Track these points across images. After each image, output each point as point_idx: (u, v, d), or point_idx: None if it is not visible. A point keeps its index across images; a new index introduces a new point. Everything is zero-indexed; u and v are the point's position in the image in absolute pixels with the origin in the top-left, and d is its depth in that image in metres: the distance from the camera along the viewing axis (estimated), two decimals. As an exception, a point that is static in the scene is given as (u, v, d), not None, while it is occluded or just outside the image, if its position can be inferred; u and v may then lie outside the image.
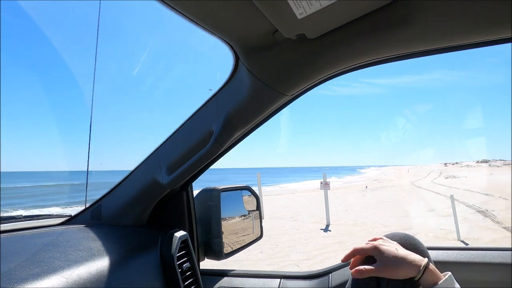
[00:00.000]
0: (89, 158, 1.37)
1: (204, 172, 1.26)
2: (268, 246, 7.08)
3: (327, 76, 0.89)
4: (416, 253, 0.87)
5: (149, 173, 1.11)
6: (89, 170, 1.38)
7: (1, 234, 1.01)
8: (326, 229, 8.64)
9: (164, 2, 0.65)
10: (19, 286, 0.66)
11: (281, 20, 0.67)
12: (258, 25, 0.72)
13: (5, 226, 1.08)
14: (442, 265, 1.13)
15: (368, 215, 10.68)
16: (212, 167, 1.26)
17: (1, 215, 1.20)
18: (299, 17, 0.65)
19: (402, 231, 0.98)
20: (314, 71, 0.84)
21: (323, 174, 10.09)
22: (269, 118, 1.07)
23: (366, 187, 23.01)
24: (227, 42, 0.82)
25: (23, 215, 1.20)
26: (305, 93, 0.98)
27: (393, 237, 0.95)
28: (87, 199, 1.34)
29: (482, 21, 0.64)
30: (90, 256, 0.86)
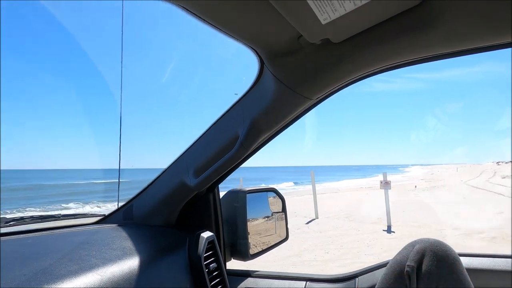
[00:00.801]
0: (120, 159, 1.43)
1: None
2: (333, 247, 6.84)
3: (352, 80, 0.89)
4: (447, 260, 0.84)
5: (177, 176, 1.15)
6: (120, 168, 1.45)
7: (43, 232, 1.09)
8: (389, 231, 8.14)
9: (191, 12, 0.68)
10: (59, 282, 0.71)
11: (305, 26, 0.68)
12: (283, 31, 0.73)
13: (46, 224, 1.15)
14: (476, 273, 1.09)
15: (428, 216, 9.96)
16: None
17: (44, 213, 1.28)
18: (323, 22, 0.66)
19: (433, 238, 0.95)
20: (339, 75, 0.84)
21: (383, 174, 9.12)
22: (294, 122, 1.07)
23: (416, 186, 21.98)
24: (252, 48, 0.83)
25: (61, 214, 1.28)
26: (329, 96, 0.98)
27: (422, 242, 0.93)
28: (119, 199, 1.41)
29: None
30: (122, 255, 0.90)
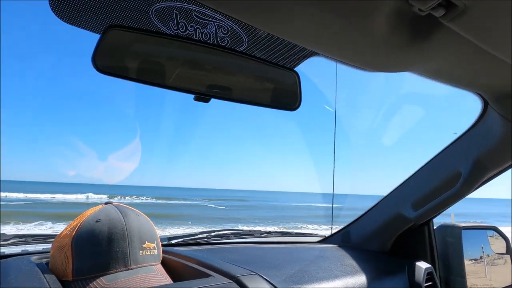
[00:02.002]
0: (334, 185, 1.69)
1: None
2: None
3: None
4: None
5: (394, 206, 1.28)
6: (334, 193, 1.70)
7: (282, 244, 1.43)
8: None
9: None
10: (318, 282, 0.96)
11: None
12: (506, 73, 0.77)
13: (286, 238, 1.51)
14: None
15: None
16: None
17: (283, 230, 1.67)
18: None
19: None
20: None
21: None
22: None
23: None
24: (474, 92, 0.90)
25: (294, 232, 1.63)
26: None
27: None
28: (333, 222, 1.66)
29: None
30: (353, 272, 1.10)
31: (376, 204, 1.38)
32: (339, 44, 0.60)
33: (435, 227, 1.38)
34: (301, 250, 1.34)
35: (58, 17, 0.54)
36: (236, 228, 1.59)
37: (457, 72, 0.77)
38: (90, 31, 0.56)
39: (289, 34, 0.57)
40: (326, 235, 1.59)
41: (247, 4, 0.47)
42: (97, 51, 0.52)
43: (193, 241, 1.36)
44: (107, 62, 0.54)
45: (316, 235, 1.63)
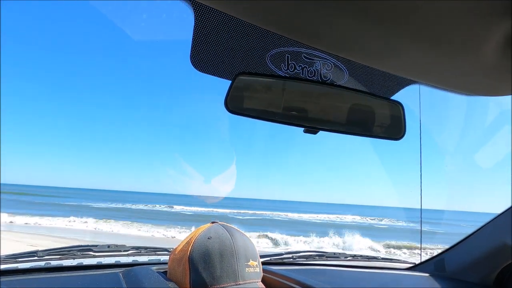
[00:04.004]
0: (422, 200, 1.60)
1: None
2: None
3: None
4: None
5: (501, 234, 1.18)
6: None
7: (358, 269, 1.40)
8: None
9: None
10: None
11: None
12: None
13: (367, 263, 1.47)
14: None
15: None
16: None
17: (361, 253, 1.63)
18: None
19: None
20: None
21: None
22: None
23: None
24: None
25: (380, 256, 1.58)
26: None
27: None
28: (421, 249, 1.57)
29: None
30: None
31: (479, 229, 1.27)
32: (445, 75, 0.61)
33: None
34: (390, 278, 1.30)
35: (196, 69, 0.65)
36: (320, 250, 1.60)
37: None
38: (221, 77, 0.67)
39: (392, 68, 0.60)
40: (416, 262, 1.51)
41: (351, 43, 0.52)
42: (228, 95, 0.62)
43: (279, 261, 1.40)
44: (235, 103, 0.63)
45: (404, 261, 1.56)
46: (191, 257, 0.89)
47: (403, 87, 0.80)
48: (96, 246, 1.19)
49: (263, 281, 1.02)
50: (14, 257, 1.03)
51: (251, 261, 0.92)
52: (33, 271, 1.00)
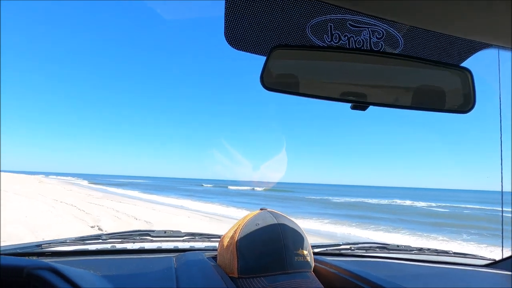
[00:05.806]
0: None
1: None
2: None
3: None
4: None
5: None
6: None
7: (437, 264, 1.26)
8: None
9: None
10: None
11: None
12: None
13: (425, 257, 1.33)
14: None
15: None
16: None
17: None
18: None
19: None
20: None
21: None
22: None
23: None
24: None
25: (452, 251, 1.41)
26: None
27: None
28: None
29: None
30: None
31: None
32: None
33: None
34: (464, 275, 1.15)
35: (232, 47, 0.62)
36: (381, 242, 1.49)
37: None
38: (257, 54, 0.63)
39: (458, 30, 0.50)
40: (496, 258, 1.32)
41: (406, 4, 0.44)
42: (264, 71, 0.58)
43: (336, 252, 1.33)
44: (272, 79, 0.59)
45: (481, 257, 1.37)
46: (238, 244, 0.87)
47: (473, 52, 0.68)
48: (153, 231, 1.25)
49: (315, 271, 0.97)
50: (82, 240, 1.12)
51: (300, 249, 0.88)
52: (99, 252, 1.08)
